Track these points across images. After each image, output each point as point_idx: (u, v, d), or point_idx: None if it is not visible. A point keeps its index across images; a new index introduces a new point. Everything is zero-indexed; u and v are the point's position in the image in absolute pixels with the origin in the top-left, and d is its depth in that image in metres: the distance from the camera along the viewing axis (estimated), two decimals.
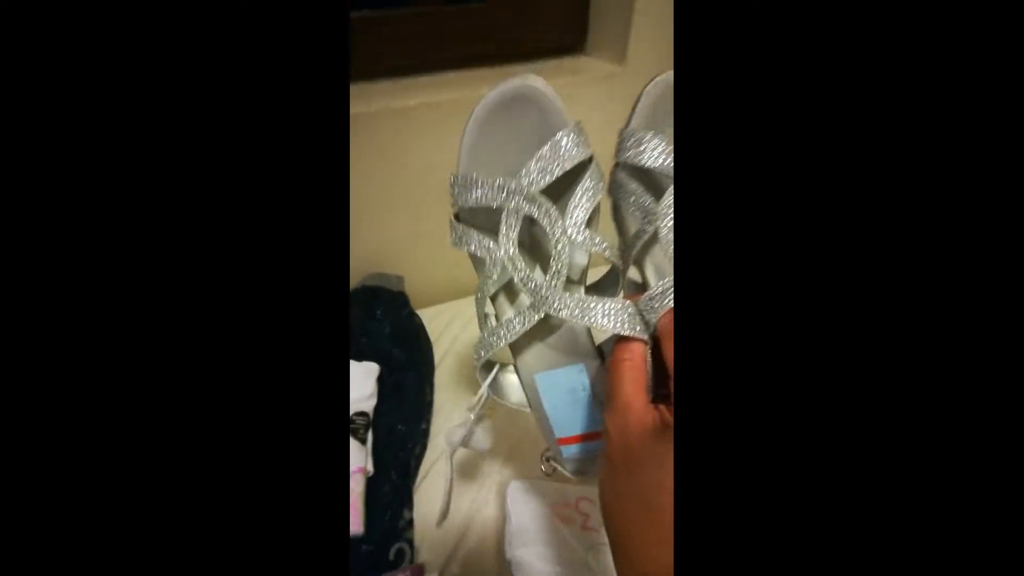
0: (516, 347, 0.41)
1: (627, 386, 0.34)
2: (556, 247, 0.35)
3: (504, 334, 0.38)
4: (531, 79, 0.34)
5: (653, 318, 0.35)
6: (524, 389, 0.44)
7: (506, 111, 0.35)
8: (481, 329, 0.41)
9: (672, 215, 0.37)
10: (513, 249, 0.36)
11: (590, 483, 0.49)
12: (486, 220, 0.37)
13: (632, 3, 0.72)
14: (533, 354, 0.41)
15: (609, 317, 0.35)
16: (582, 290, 0.41)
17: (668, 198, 0.37)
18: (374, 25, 0.71)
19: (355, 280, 0.75)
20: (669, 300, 0.35)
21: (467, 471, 0.61)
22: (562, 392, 0.42)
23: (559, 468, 0.45)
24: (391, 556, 0.53)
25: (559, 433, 0.43)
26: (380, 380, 0.64)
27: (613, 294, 0.43)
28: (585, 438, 0.43)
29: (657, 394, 0.35)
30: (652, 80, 0.38)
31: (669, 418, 0.31)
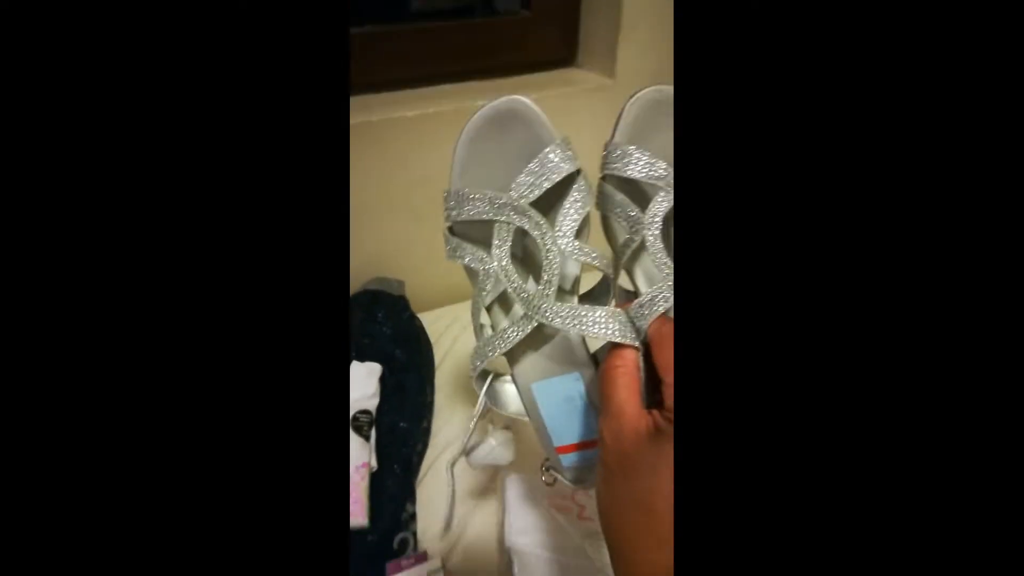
0: (512, 357, 0.40)
1: (620, 392, 0.33)
2: (547, 257, 0.34)
3: (499, 344, 0.37)
4: (519, 97, 0.33)
5: (644, 325, 0.35)
6: (522, 399, 0.42)
7: (496, 128, 0.34)
8: (477, 339, 0.40)
9: (658, 223, 0.36)
10: (506, 261, 0.35)
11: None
12: (479, 233, 0.36)
13: (619, 21, 0.73)
14: (529, 364, 0.40)
15: (600, 325, 0.34)
16: (575, 300, 0.40)
17: (653, 207, 0.36)
18: (377, 40, 0.72)
19: (357, 284, 0.74)
20: (659, 307, 0.35)
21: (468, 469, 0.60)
22: (559, 401, 0.40)
23: (559, 478, 0.43)
24: (395, 545, 0.53)
25: (557, 442, 0.41)
26: (382, 380, 0.63)
27: (605, 303, 0.41)
28: (583, 446, 0.41)
29: (651, 400, 0.34)
30: (633, 96, 0.37)
31: (663, 423, 0.30)
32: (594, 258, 0.36)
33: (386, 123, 0.68)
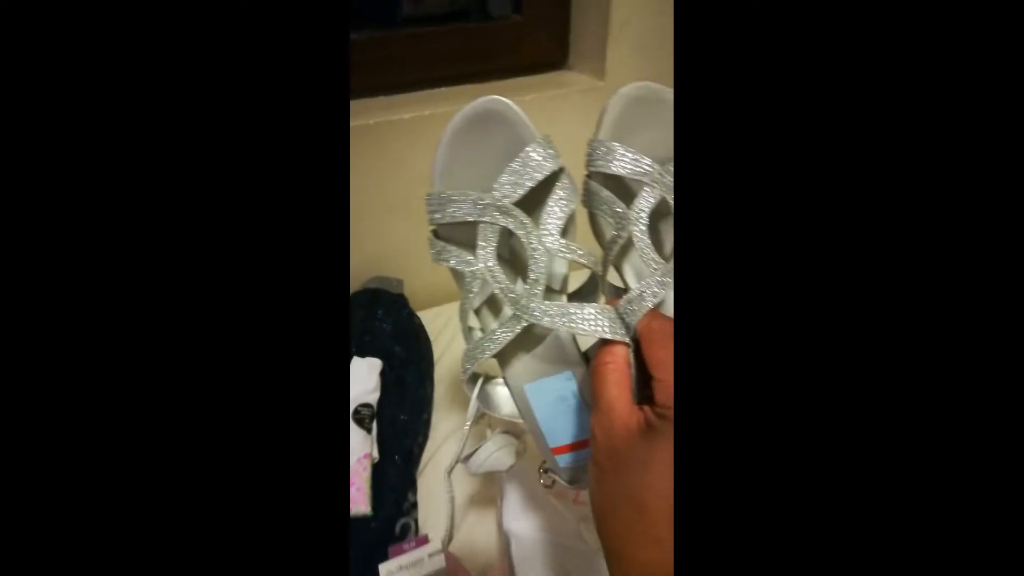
0: (503, 359, 0.37)
1: (611, 388, 0.30)
2: (533, 256, 0.32)
3: (489, 346, 0.34)
4: (498, 97, 0.31)
5: (633, 321, 0.32)
6: (515, 401, 0.39)
7: (476, 128, 0.31)
8: (466, 342, 0.37)
9: (644, 219, 0.34)
10: (492, 262, 0.33)
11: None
12: (464, 235, 0.33)
13: (607, 25, 0.71)
14: (521, 365, 0.38)
15: (590, 322, 0.32)
16: (564, 298, 0.38)
17: (638, 203, 0.34)
18: (374, 45, 0.71)
19: (357, 283, 0.72)
20: (648, 302, 0.33)
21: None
22: (552, 401, 0.38)
23: (558, 479, 0.40)
24: (397, 530, 0.52)
25: (553, 443, 0.39)
26: (383, 375, 0.62)
27: (594, 300, 0.39)
28: (579, 446, 0.39)
29: (641, 396, 0.32)
30: (616, 93, 0.34)
31: (653, 419, 0.28)
32: (580, 255, 0.33)
33: (384, 126, 0.66)
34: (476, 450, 0.42)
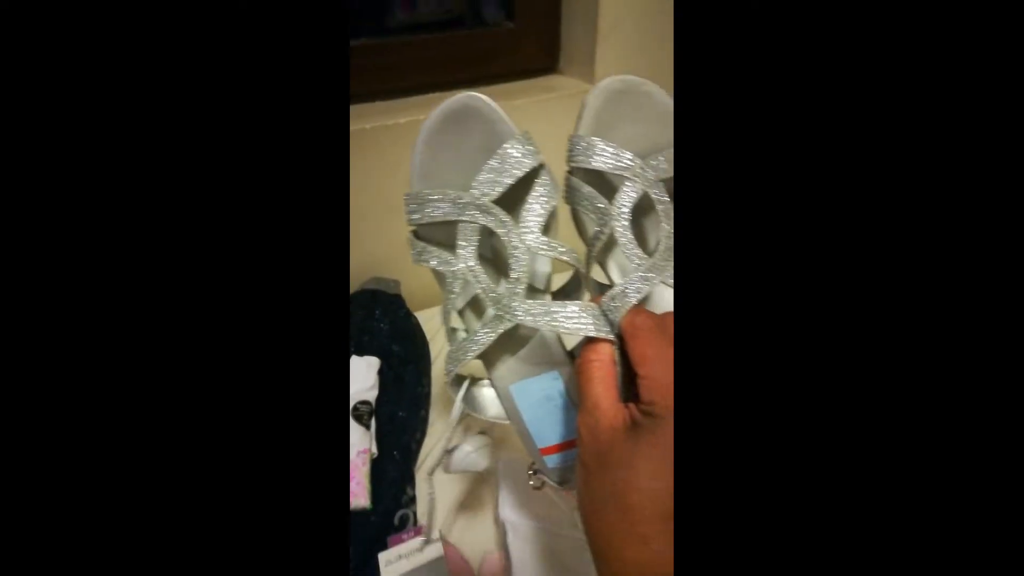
0: (488, 360, 0.35)
1: (596, 387, 0.28)
2: (513, 255, 0.29)
3: (472, 347, 0.32)
4: (474, 93, 0.28)
5: (616, 317, 0.30)
6: (501, 402, 0.37)
7: (452, 126, 0.29)
8: (450, 344, 0.35)
9: (625, 214, 0.31)
10: (473, 261, 0.30)
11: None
12: (444, 235, 0.31)
13: (596, 31, 0.70)
14: (506, 366, 0.35)
15: (573, 320, 0.29)
16: (548, 297, 0.35)
17: (619, 198, 0.31)
18: (371, 52, 0.69)
19: (355, 284, 0.70)
20: (631, 298, 0.30)
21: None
22: (539, 401, 0.35)
23: (547, 480, 0.38)
24: (396, 522, 0.50)
25: (541, 443, 0.36)
26: (381, 373, 0.60)
27: (578, 298, 0.36)
28: (567, 446, 0.36)
29: (627, 393, 0.29)
30: (596, 86, 0.32)
31: (639, 416, 0.26)
32: (562, 252, 0.31)
33: (380, 130, 0.64)
34: (452, 451, 0.40)
